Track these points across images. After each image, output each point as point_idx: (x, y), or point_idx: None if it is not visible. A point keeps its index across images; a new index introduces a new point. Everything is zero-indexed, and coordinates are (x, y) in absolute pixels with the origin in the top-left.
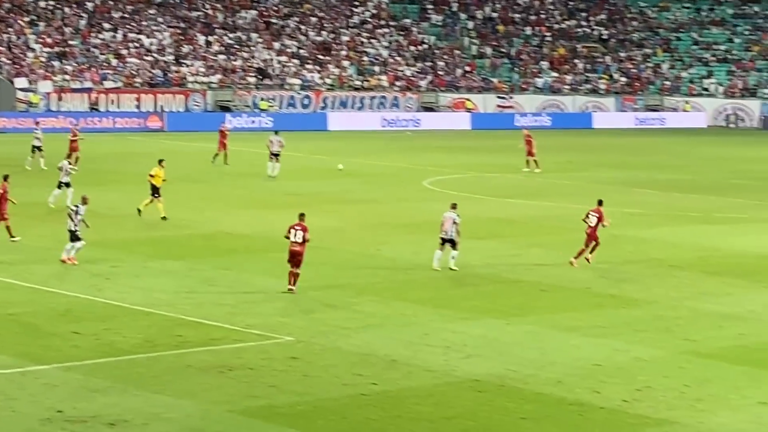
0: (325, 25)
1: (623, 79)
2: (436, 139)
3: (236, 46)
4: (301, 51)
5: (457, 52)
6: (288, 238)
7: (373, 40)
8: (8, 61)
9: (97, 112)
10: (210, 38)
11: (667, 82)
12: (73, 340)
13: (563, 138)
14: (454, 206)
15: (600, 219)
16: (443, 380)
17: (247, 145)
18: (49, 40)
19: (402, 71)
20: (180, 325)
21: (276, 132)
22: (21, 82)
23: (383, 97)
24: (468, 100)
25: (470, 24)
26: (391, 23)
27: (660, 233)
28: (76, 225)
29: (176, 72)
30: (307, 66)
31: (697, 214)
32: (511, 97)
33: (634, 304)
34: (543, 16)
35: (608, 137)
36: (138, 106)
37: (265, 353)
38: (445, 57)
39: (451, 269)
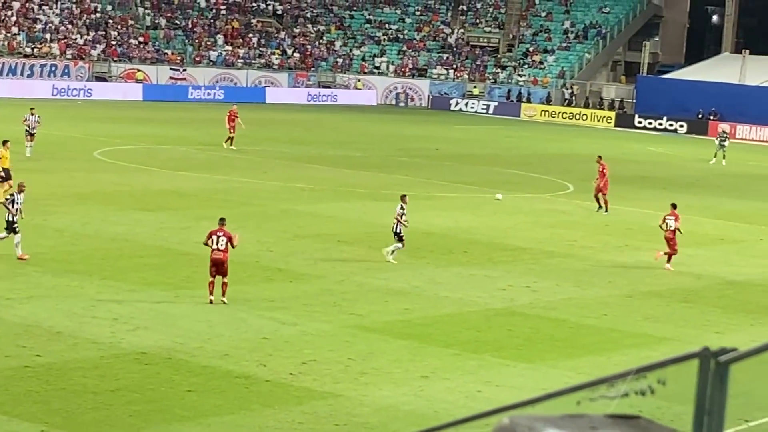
0: None
1: (297, 55)
2: (107, 109)
3: None
4: None
5: (131, 22)
6: (207, 245)
7: (44, 8)
8: None
9: None
10: None
11: (340, 60)
12: None
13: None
14: (402, 197)
15: (677, 221)
16: (109, 352)
17: None
18: None
19: (74, 39)
20: None
21: (32, 109)
22: None
23: (54, 65)
24: (139, 70)
25: None
26: None
27: (329, 208)
28: (14, 215)
29: None
30: None
31: (365, 191)
32: (184, 70)
33: (302, 278)
34: None
35: (281, 112)
36: None
37: None
38: (119, 27)
39: (388, 261)
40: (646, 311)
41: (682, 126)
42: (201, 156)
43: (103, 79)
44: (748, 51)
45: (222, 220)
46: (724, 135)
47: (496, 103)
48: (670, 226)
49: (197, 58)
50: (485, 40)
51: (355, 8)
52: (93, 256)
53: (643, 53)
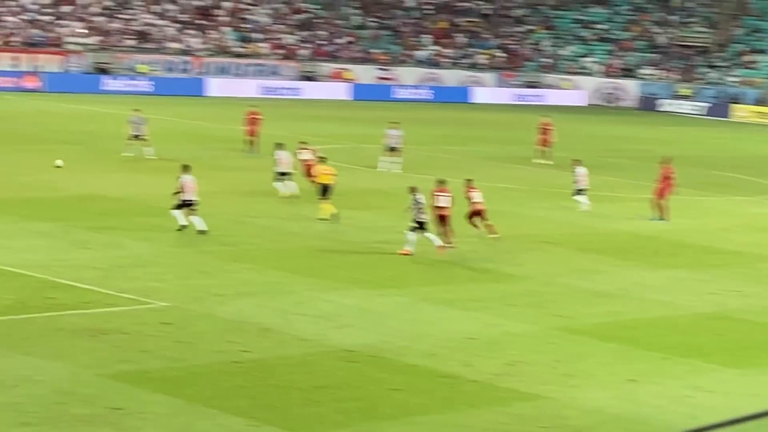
0: None
1: (503, 55)
2: (315, 108)
3: (116, 8)
4: (182, 16)
5: (339, 22)
6: (434, 205)
7: (254, 7)
8: None
9: None
10: None
11: (547, 60)
12: None
13: (442, 112)
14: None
15: None
16: (316, 349)
17: (124, 109)
18: None
19: (283, 39)
20: (52, 288)
21: (137, 110)
22: None
23: (263, 64)
24: (347, 70)
25: None
26: None
27: (535, 209)
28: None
29: (54, 32)
30: (188, 31)
31: (571, 191)
32: (391, 69)
33: (507, 279)
34: None
35: (487, 112)
36: (15, 66)
37: (138, 318)
38: (327, 26)
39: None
40: None
41: None
42: (407, 156)
43: (311, 78)
44: None
45: (443, 181)
46: None
47: (706, 104)
48: None
49: (404, 58)
50: (695, 40)
51: (563, 8)
52: (300, 254)
53: None
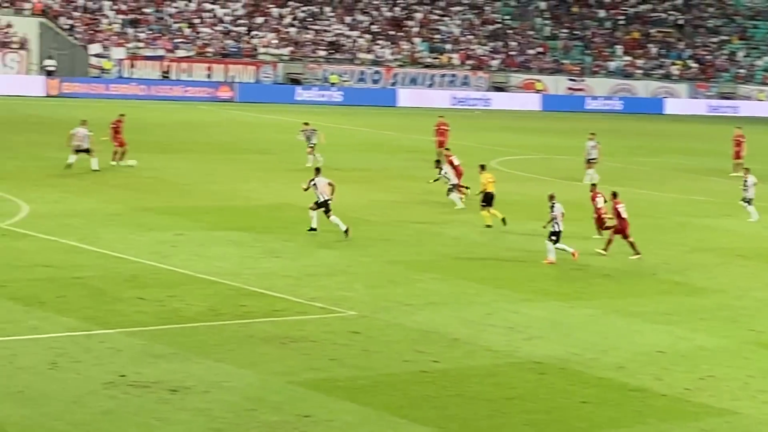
0: (397, 1)
1: (696, 65)
2: (505, 119)
3: (309, 19)
4: (373, 26)
5: (530, 32)
6: (612, 217)
7: (445, 18)
8: (83, 27)
9: (168, 81)
10: (283, 10)
11: (742, 70)
12: (138, 305)
13: (634, 123)
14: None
15: None
16: (505, 361)
17: (316, 119)
18: (123, 7)
19: (473, 50)
20: (244, 295)
21: (306, 123)
22: (94, 48)
23: (453, 75)
24: (538, 81)
25: (543, 5)
26: (464, 1)
27: (728, 222)
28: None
29: (248, 43)
30: (379, 42)
31: (765, 204)
32: (582, 80)
33: (699, 292)
34: None
35: (679, 123)
36: (209, 76)
37: (327, 326)
38: (518, 37)
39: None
40: None
41: None
42: (598, 167)
43: (501, 89)
44: None
45: (616, 194)
46: None
47: None
48: None
49: (595, 69)
50: None
51: (758, 18)
52: (488, 265)
53: None
